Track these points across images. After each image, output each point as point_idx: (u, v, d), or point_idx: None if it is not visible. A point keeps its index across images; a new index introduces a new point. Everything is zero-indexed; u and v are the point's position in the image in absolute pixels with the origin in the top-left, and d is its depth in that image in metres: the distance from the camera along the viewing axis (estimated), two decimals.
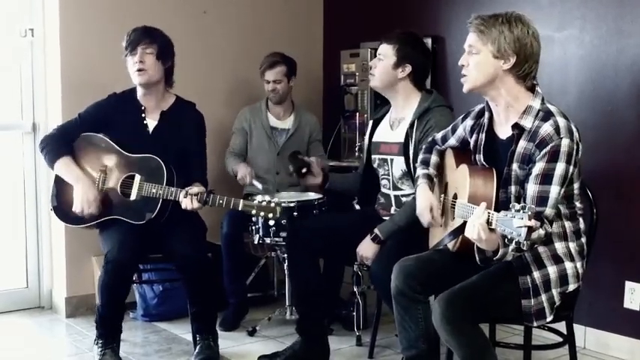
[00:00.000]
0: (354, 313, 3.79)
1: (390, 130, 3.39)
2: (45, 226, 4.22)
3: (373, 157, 3.45)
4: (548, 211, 2.39)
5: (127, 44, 3.39)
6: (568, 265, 2.53)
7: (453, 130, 2.87)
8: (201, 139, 3.54)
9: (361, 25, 4.65)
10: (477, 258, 2.49)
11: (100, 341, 3.33)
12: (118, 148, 3.41)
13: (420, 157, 2.99)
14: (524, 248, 2.20)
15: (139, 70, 3.36)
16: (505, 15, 2.50)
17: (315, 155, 4.00)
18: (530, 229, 2.12)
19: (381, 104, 3.94)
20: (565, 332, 2.80)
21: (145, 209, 3.31)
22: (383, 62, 3.30)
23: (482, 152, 2.66)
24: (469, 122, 2.77)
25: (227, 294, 4.02)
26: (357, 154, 4.37)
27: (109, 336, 3.34)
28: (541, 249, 2.50)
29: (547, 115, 2.48)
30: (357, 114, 4.45)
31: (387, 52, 3.30)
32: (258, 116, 4.25)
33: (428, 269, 2.71)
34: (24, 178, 4.21)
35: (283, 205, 3.38)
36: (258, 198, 3.33)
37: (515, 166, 2.51)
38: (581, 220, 2.61)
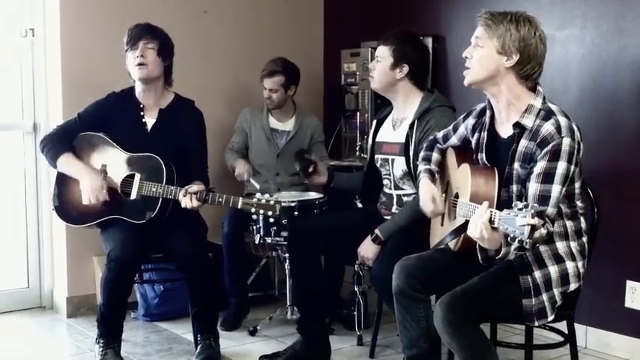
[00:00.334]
0: (355, 313, 3.80)
1: (392, 130, 3.39)
2: (46, 225, 4.22)
3: (376, 156, 3.45)
4: (550, 210, 2.38)
5: (128, 39, 3.39)
6: (569, 265, 2.53)
7: (455, 129, 2.87)
8: (201, 136, 3.53)
9: (362, 24, 4.64)
10: (480, 257, 2.49)
11: (102, 341, 3.33)
12: (117, 147, 3.41)
13: (422, 154, 3.00)
14: (527, 247, 2.20)
15: (140, 64, 3.36)
16: (515, 14, 2.51)
17: (318, 157, 4.00)
18: (534, 228, 2.12)
19: (381, 104, 3.94)
20: (566, 332, 2.80)
21: (145, 208, 3.31)
22: (381, 64, 3.31)
23: (484, 151, 2.66)
24: (471, 121, 2.77)
25: (228, 294, 4.02)
26: (357, 153, 4.37)
27: (110, 336, 3.34)
28: (542, 248, 2.50)
29: (548, 114, 2.48)
30: (358, 113, 4.45)
31: (384, 53, 3.31)
32: (259, 117, 4.25)
33: (429, 268, 2.71)
34: (25, 178, 4.21)
35: (284, 204, 3.38)
36: (258, 196, 3.32)
37: (516, 165, 2.51)
38: (582, 219, 2.61)
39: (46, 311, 4.27)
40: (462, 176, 2.67)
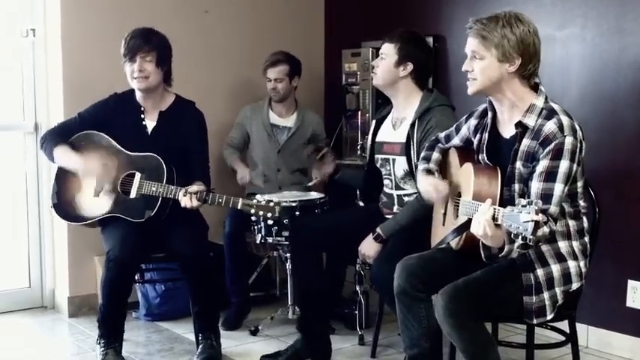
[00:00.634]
0: (357, 312, 3.80)
1: (393, 130, 3.39)
2: (47, 225, 4.23)
3: (376, 156, 3.45)
4: (553, 208, 2.39)
5: (125, 51, 3.37)
6: (571, 264, 2.53)
7: (457, 130, 2.87)
8: (202, 137, 3.53)
9: (362, 24, 4.64)
10: (483, 255, 2.49)
11: (103, 341, 3.33)
12: (118, 146, 3.41)
13: (422, 154, 3.01)
14: (531, 244, 2.19)
15: (138, 77, 3.36)
16: (504, 16, 2.48)
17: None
18: (537, 224, 2.11)
19: (382, 103, 3.94)
20: (567, 331, 2.80)
21: (144, 207, 3.31)
22: (385, 61, 3.31)
23: (485, 152, 2.66)
24: (473, 122, 2.77)
25: (229, 293, 4.02)
26: (358, 153, 4.37)
27: (111, 335, 3.34)
28: (545, 247, 2.50)
29: (550, 114, 2.48)
30: (359, 113, 4.44)
31: (388, 50, 3.31)
32: (259, 114, 4.25)
33: (430, 268, 2.71)
34: (26, 178, 4.22)
35: (284, 204, 3.39)
36: (258, 197, 3.33)
37: (518, 164, 2.51)
38: (584, 218, 2.61)
39: (48, 311, 4.27)
40: (464, 175, 2.68)
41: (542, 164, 2.42)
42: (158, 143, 3.40)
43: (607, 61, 3.53)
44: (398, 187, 3.36)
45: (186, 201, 3.20)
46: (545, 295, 2.50)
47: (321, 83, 4.97)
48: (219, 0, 4.53)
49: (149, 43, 3.36)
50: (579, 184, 2.55)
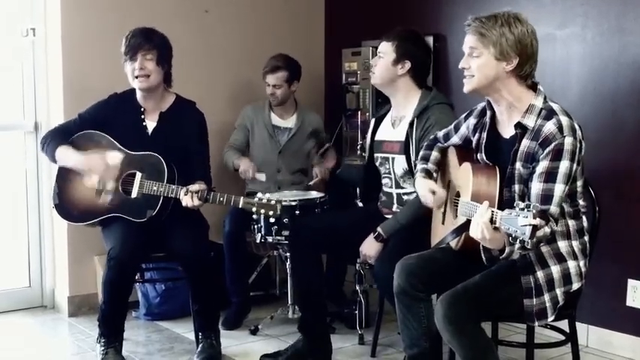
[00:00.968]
0: (357, 312, 3.79)
1: (392, 129, 3.39)
2: (47, 225, 4.23)
3: (375, 155, 3.45)
4: (553, 209, 2.38)
5: (126, 50, 3.37)
6: (571, 264, 2.53)
7: (456, 128, 2.87)
8: (203, 137, 3.54)
9: (363, 23, 4.64)
10: (483, 257, 2.49)
11: (103, 340, 3.33)
12: (118, 145, 3.41)
13: (421, 153, 3.01)
14: (529, 247, 2.19)
15: (139, 76, 3.36)
16: (503, 16, 2.49)
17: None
18: (535, 228, 2.11)
19: (382, 103, 3.94)
20: (567, 330, 2.80)
21: (145, 207, 3.31)
22: (383, 59, 3.31)
23: (484, 151, 2.66)
24: (472, 121, 2.77)
25: (229, 293, 4.02)
26: (358, 152, 4.37)
27: (111, 335, 3.34)
28: (544, 248, 2.50)
29: (550, 114, 2.47)
30: (359, 112, 4.44)
31: (386, 49, 3.31)
32: (261, 114, 4.25)
33: (430, 268, 2.71)
34: (26, 177, 4.22)
35: (285, 204, 3.39)
36: (259, 195, 3.33)
37: (518, 165, 2.51)
38: (584, 218, 2.61)
39: (48, 310, 4.27)
40: (463, 175, 2.67)
41: (542, 165, 2.42)
42: (158, 144, 3.40)
43: (607, 60, 3.53)
44: (398, 186, 3.36)
45: (188, 200, 3.20)
46: (546, 297, 2.49)
47: (321, 83, 4.97)
48: (220, 0, 4.53)
49: (150, 41, 3.37)
50: (579, 183, 2.55)
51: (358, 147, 4.36)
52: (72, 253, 4.11)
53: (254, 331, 3.87)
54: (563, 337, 2.86)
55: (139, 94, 3.47)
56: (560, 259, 2.51)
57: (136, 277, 3.53)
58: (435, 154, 2.95)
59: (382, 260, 3.15)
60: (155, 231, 3.33)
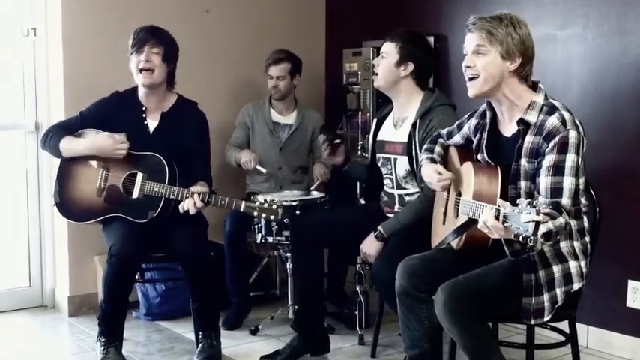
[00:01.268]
0: (357, 312, 3.79)
1: (394, 130, 3.39)
2: (47, 225, 4.23)
3: (377, 155, 3.45)
4: (565, 201, 2.39)
5: (134, 42, 3.38)
6: (572, 264, 2.53)
7: (459, 128, 2.88)
8: (204, 137, 3.54)
9: (363, 24, 4.64)
10: (507, 251, 2.49)
11: (103, 338, 3.33)
12: None
13: (425, 146, 3.03)
14: (532, 243, 2.19)
15: (144, 69, 3.36)
16: (506, 16, 2.52)
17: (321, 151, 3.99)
18: (538, 225, 2.12)
19: (383, 103, 3.94)
20: (567, 331, 2.80)
21: (147, 207, 3.31)
22: (386, 60, 3.31)
23: (485, 152, 2.67)
24: (474, 121, 2.78)
25: (229, 293, 4.02)
26: (359, 152, 4.37)
27: (111, 334, 3.34)
28: (545, 247, 2.50)
29: (552, 109, 2.49)
30: (360, 113, 4.44)
31: (390, 50, 3.31)
32: (261, 111, 4.26)
33: (432, 268, 2.71)
34: (26, 177, 4.22)
35: (285, 204, 3.39)
36: (260, 199, 3.32)
37: (523, 161, 2.51)
38: (585, 218, 2.61)
39: (48, 310, 4.27)
40: (465, 174, 2.68)
41: (549, 159, 2.42)
42: (160, 143, 3.40)
43: (608, 61, 3.53)
44: (399, 187, 3.36)
45: (189, 204, 3.20)
46: (545, 296, 2.50)
47: (321, 83, 4.97)
48: (220, 0, 4.53)
49: (158, 37, 3.39)
50: (581, 181, 2.55)
51: (359, 147, 4.37)
52: (72, 253, 4.11)
53: (254, 332, 3.87)
54: (563, 338, 2.86)
55: (141, 92, 3.47)
56: (561, 259, 2.52)
57: (136, 277, 3.53)
58: (438, 149, 2.97)
59: (381, 260, 3.15)
60: (155, 230, 3.32)
